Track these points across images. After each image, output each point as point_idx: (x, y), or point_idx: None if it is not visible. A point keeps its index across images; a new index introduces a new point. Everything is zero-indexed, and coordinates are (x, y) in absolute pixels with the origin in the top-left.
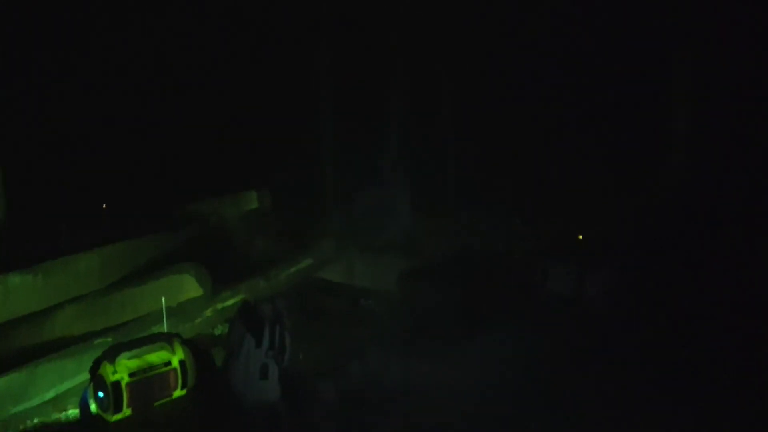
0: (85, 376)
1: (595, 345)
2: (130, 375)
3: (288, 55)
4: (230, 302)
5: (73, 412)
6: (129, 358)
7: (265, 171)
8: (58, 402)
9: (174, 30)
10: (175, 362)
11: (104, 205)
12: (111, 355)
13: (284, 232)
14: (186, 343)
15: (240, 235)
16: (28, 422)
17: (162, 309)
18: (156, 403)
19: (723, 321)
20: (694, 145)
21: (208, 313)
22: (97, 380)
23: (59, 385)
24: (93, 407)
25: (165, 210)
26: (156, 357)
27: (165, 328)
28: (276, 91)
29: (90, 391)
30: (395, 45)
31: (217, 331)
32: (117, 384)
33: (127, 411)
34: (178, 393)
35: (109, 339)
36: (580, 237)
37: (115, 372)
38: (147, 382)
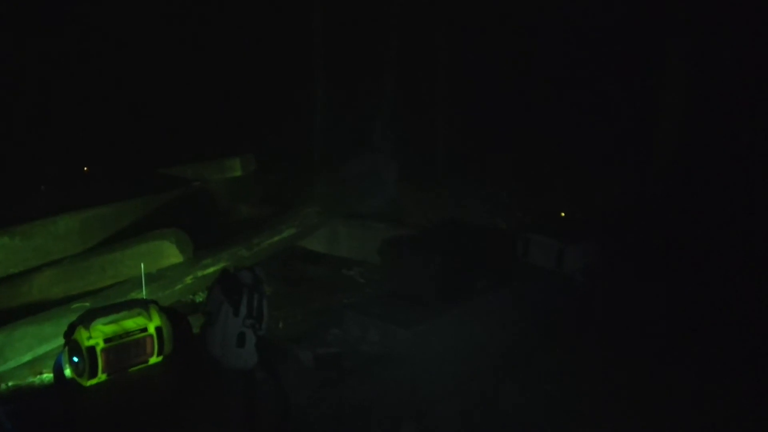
0: (63, 339)
1: (576, 317)
2: (106, 340)
3: (278, 17)
4: (211, 270)
5: (48, 375)
6: (105, 324)
7: (250, 136)
8: (35, 365)
9: None
10: (151, 329)
11: (85, 168)
12: (86, 319)
13: (268, 199)
14: (163, 310)
15: (223, 201)
16: (3, 385)
17: (141, 275)
18: (131, 369)
19: (707, 294)
20: (685, 127)
21: (188, 280)
22: (71, 345)
23: (37, 348)
24: (68, 372)
25: (147, 173)
26: (132, 323)
27: (144, 295)
28: (264, 55)
29: (64, 356)
30: (388, 13)
31: (198, 299)
32: (92, 349)
33: (102, 376)
34: (153, 360)
35: (87, 303)
36: (563, 214)
37: (90, 337)
38: (122, 347)
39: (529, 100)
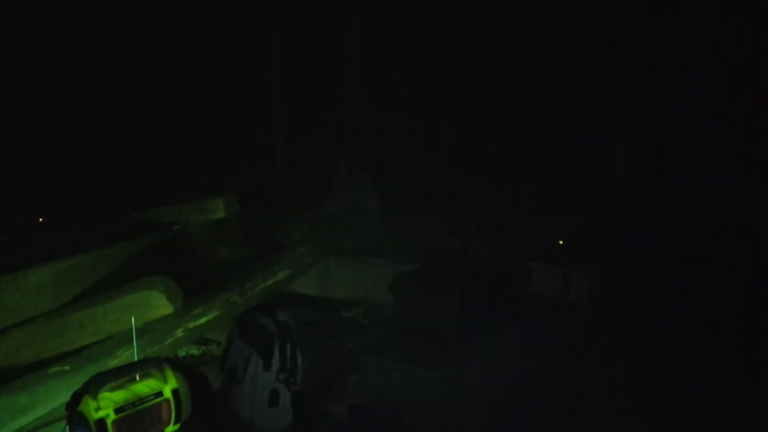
0: (42, 410)
1: (594, 347)
2: (116, 410)
3: (245, 51)
4: (203, 320)
5: None
6: (112, 390)
7: (217, 176)
8: None
9: (124, 21)
10: (167, 392)
11: (41, 219)
12: (94, 387)
13: (255, 240)
14: (178, 368)
15: (207, 244)
16: None
17: (128, 329)
18: None
19: (715, 317)
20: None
21: (179, 333)
22: (76, 418)
23: (10, 423)
24: None
25: (119, 219)
26: (144, 386)
27: (135, 352)
28: (225, 93)
29: None
30: (347, 43)
31: (182, 353)
32: (102, 422)
33: None
34: (171, 429)
35: (67, 366)
36: (561, 242)
37: (98, 408)
38: (136, 417)
39: (516, 123)
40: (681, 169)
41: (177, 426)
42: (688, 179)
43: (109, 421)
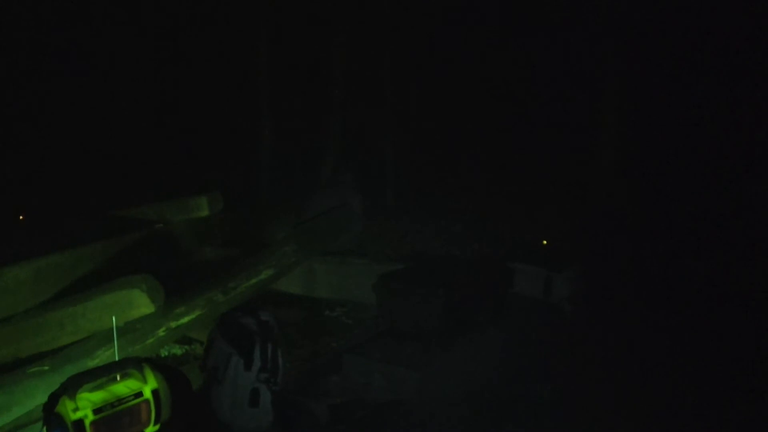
0: (19, 411)
1: (576, 348)
2: (95, 411)
3: (232, 48)
4: (185, 319)
5: None
6: (91, 390)
7: (217, 174)
8: None
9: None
10: (147, 392)
11: (21, 216)
12: (71, 387)
13: (240, 239)
14: (158, 369)
15: (190, 243)
16: None
17: (109, 328)
18: None
19: (698, 317)
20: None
21: (161, 332)
22: (53, 419)
23: None
24: None
25: (101, 216)
26: (124, 387)
27: (116, 352)
28: (210, 93)
29: None
30: (334, 44)
31: (164, 353)
32: (80, 423)
33: None
34: (150, 429)
35: (46, 367)
36: (545, 242)
37: (76, 408)
38: (115, 417)
39: (480, 130)
40: (665, 170)
41: (157, 427)
42: (673, 180)
43: (87, 422)
